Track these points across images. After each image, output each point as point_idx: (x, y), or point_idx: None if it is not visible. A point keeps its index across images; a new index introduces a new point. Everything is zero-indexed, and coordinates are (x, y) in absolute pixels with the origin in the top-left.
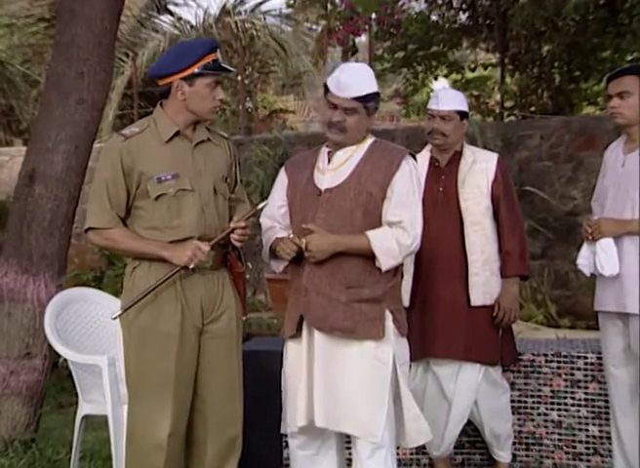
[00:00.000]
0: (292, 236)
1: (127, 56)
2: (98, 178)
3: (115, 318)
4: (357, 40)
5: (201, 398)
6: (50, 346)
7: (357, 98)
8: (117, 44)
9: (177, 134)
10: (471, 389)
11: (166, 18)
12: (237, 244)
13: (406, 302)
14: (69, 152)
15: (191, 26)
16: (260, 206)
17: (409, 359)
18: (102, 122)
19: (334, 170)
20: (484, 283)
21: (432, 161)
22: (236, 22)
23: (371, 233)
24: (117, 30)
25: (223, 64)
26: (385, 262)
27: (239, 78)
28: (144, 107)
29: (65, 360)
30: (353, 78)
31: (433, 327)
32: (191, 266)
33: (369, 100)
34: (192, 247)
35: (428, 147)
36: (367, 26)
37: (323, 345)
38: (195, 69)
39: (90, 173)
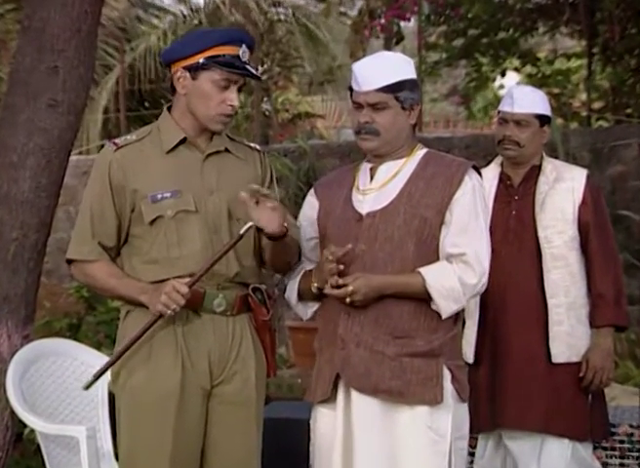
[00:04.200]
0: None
1: (116, 49)
2: (84, 199)
3: (87, 387)
4: (403, 25)
5: None
6: (13, 413)
7: (383, 89)
8: (102, 31)
9: (183, 142)
10: None
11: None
12: (267, 227)
13: (469, 357)
14: (39, 167)
15: (195, 10)
16: (244, 228)
17: (468, 431)
18: (90, 128)
19: (377, 189)
20: (568, 334)
21: (503, 177)
22: (257, 3)
23: (426, 270)
24: (100, 14)
25: (248, 66)
26: (446, 307)
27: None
28: (135, 110)
29: (33, 431)
30: (374, 66)
31: (505, 389)
32: (168, 314)
33: (400, 90)
34: (167, 289)
35: (498, 160)
36: (416, 7)
37: (364, 411)
38: (200, 59)
39: (65, 192)
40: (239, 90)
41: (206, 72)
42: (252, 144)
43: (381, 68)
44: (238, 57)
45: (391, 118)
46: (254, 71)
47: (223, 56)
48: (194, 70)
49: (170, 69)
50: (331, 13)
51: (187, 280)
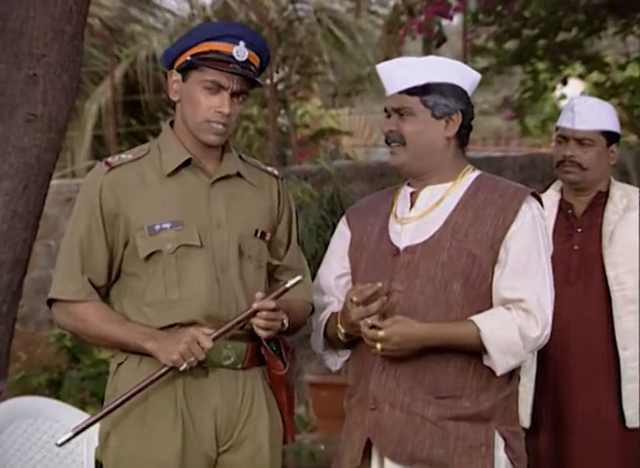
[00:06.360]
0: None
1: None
2: (69, 227)
3: (61, 444)
4: (445, 24)
5: None
6: None
7: (409, 92)
8: (90, 33)
9: (187, 164)
10: None
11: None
12: (262, 334)
13: (525, 421)
14: (15, 193)
15: (202, 8)
16: (290, 283)
17: None
18: (75, 147)
19: (418, 218)
20: None
21: (563, 206)
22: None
23: (480, 319)
24: (87, 13)
25: (242, 67)
26: (503, 363)
27: (268, 81)
28: (129, 125)
29: None
30: (399, 66)
31: (571, 460)
32: (183, 367)
33: (427, 93)
34: (187, 338)
35: (557, 185)
36: (461, 3)
37: None
38: (188, 56)
39: (45, 223)
40: (239, 98)
41: (195, 73)
42: (269, 168)
43: (407, 68)
44: (232, 56)
45: (419, 126)
46: (249, 74)
47: (211, 52)
48: (184, 70)
49: None
50: (361, 11)
51: (210, 331)
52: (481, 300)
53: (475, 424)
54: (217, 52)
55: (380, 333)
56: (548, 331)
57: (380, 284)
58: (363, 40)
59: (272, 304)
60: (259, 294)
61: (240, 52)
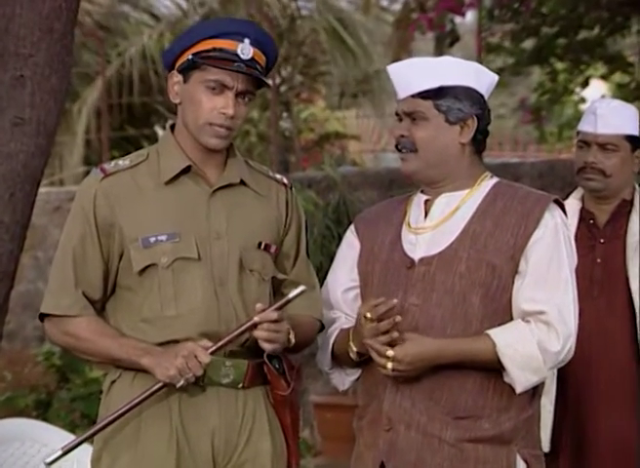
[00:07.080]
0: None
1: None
2: (63, 239)
3: (50, 463)
4: (458, 21)
5: None
6: None
7: (422, 96)
8: (81, 32)
9: (186, 171)
10: None
11: None
12: (267, 347)
13: (545, 445)
14: (1, 201)
15: (199, 4)
16: (293, 293)
17: None
18: (64, 153)
19: (433, 228)
20: None
21: (585, 215)
22: None
23: (496, 333)
24: (78, 10)
25: (247, 66)
26: (522, 379)
27: (270, 82)
28: (120, 129)
29: None
30: (411, 67)
31: None
32: (180, 384)
33: (442, 96)
34: (184, 352)
35: (578, 193)
36: None
37: None
38: (189, 55)
39: (32, 233)
40: (244, 99)
41: (197, 72)
42: (278, 176)
43: (419, 70)
44: (236, 54)
45: (432, 132)
46: (254, 73)
47: (214, 50)
48: (186, 70)
49: None
50: (370, 9)
51: (208, 345)
52: (501, 314)
53: (496, 447)
54: (220, 50)
55: (390, 353)
56: (570, 344)
57: (395, 300)
58: (371, 38)
59: (274, 315)
60: (259, 306)
61: (245, 49)
